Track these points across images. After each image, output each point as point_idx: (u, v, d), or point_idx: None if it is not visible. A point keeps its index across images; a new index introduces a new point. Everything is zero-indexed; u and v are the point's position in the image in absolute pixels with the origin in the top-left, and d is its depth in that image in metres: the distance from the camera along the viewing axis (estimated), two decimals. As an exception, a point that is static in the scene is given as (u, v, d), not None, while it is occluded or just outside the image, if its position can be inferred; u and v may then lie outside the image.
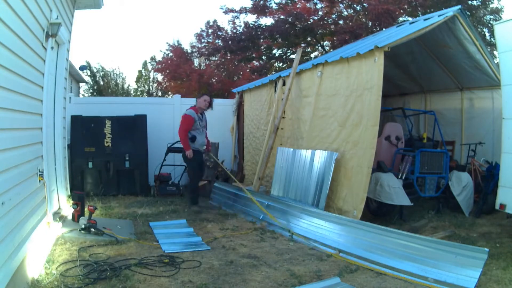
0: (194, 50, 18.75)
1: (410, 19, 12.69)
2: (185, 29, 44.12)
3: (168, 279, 3.50)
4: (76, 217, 4.93)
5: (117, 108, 8.44)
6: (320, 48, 16.99)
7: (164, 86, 21.03)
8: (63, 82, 5.63)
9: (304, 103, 6.48)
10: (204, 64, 19.63)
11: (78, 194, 5.21)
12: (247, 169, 8.69)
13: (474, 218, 5.88)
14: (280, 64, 17.71)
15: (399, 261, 3.77)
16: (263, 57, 17.57)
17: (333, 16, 15.60)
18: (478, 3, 15.27)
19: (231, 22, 16.79)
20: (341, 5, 15.47)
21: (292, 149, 6.27)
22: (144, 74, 23.74)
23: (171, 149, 7.94)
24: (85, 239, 4.44)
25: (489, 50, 7.33)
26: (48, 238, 4.07)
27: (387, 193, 5.39)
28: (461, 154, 7.63)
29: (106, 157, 7.65)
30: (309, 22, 14.92)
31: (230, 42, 16.00)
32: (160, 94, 22.36)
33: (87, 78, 20.83)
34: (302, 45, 15.78)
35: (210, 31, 17.36)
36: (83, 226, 4.58)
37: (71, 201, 5.25)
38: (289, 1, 16.40)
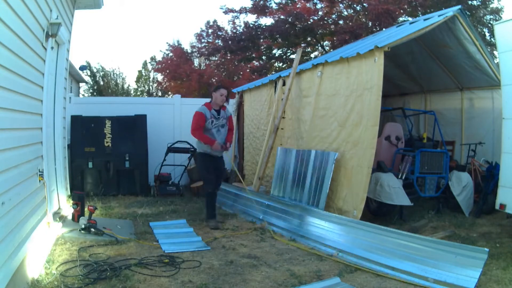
0: (194, 50, 18.78)
1: (410, 19, 12.69)
2: (185, 29, 44.20)
3: (168, 279, 3.50)
4: (76, 217, 4.93)
5: (117, 108, 8.44)
6: (320, 48, 17.00)
7: (164, 86, 21.05)
8: (63, 82, 5.63)
9: (304, 103, 6.47)
10: (204, 64, 19.64)
11: (78, 194, 5.21)
12: (247, 169, 8.68)
13: (474, 218, 5.88)
14: (280, 64, 17.72)
15: (399, 261, 3.77)
16: (263, 57, 17.58)
17: (333, 16, 15.62)
18: (478, 3, 15.28)
19: (231, 22, 16.86)
20: (341, 5, 15.49)
21: (292, 149, 6.27)
22: (144, 74, 23.76)
23: (171, 149, 7.95)
24: (85, 239, 4.44)
25: (489, 50, 7.32)
26: (48, 238, 4.07)
27: (387, 193, 5.39)
28: (461, 154, 7.62)
29: (106, 157, 7.64)
30: (309, 22, 14.93)
31: (230, 42, 16.01)
32: (160, 94, 22.38)
33: (87, 78, 20.86)
34: (302, 45, 15.79)
35: (210, 31, 17.39)
36: (83, 226, 4.58)
37: (71, 201, 5.25)
38: (289, 1, 16.40)
